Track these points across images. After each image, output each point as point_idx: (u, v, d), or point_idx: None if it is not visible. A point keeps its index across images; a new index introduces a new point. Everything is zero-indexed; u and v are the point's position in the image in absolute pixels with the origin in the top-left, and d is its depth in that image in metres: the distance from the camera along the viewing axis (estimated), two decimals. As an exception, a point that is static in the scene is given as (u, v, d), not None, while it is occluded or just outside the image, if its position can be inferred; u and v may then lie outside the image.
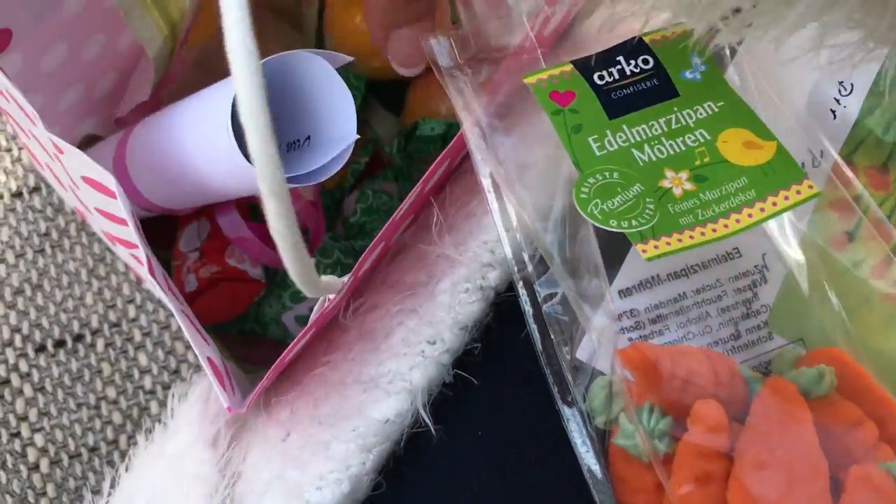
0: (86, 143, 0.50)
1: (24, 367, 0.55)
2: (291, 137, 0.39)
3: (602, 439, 0.33)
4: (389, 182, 0.55)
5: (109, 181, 0.33)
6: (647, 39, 0.37)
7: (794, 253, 0.36)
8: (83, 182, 0.36)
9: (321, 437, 0.37)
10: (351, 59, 0.38)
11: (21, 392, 0.55)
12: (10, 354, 0.55)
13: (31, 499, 0.53)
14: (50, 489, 0.53)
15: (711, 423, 0.31)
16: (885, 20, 0.29)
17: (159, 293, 0.38)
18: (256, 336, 0.54)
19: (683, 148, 0.35)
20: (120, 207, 0.34)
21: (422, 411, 0.37)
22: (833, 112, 0.38)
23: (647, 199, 0.33)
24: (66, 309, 0.57)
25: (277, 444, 0.38)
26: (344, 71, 0.37)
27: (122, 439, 0.55)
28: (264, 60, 0.35)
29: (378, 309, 0.39)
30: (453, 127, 0.53)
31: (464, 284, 0.38)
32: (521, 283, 0.35)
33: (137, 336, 0.57)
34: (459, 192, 0.41)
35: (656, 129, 0.35)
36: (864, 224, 0.36)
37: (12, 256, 0.58)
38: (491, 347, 0.38)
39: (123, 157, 0.43)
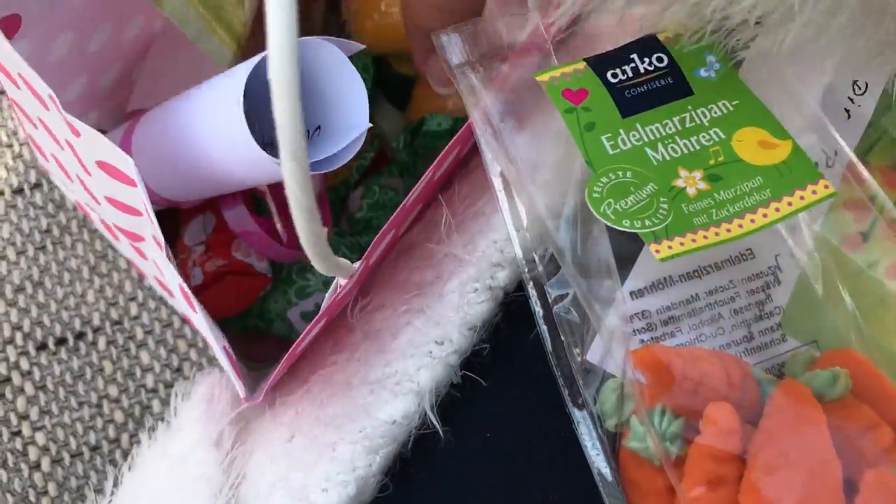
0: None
1: (25, 365, 0.55)
2: None
3: (613, 442, 0.33)
4: (395, 178, 0.55)
5: (128, 165, 0.33)
6: (661, 37, 0.37)
7: (807, 254, 0.36)
8: (97, 168, 0.36)
9: (327, 438, 0.37)
10: (363, 46, 0.38)
11: (22, 390, 0.55)
12: (11, 352, 0.55)
13: (32, 498, 0.53)
14: (51, 488, 0.53)
15: (723, 425, 0.31)
16: (882, 25, 0.30)
17: (170, 278, 0.38)
18: (260, 333, 0.54)
19: (698, 147, 0.35)
20: (135, 194, 0.34)
21: (429, 413, 0.37)
22: (847, 111, 0.38)
23: (661, 199, 0.33)
24: (68, 306, 0.57)
25: (282, 446, 0.38)
26: (354, 60, 0.37)
27: (125, 438, 0.55)
28: None
29: (385, 308, 0.39)
30: (460, 122, 0.53)
31: (472, 284, 0.38)
32: (531, 283, 0.35)
33: (140, 334, 0.57)
34: (468, 189, 0.41)
35: (670, 128, 0.35)
36: (878, 224, 0.36)
37: (13, 253, 0.58)
38: (500, 348, 0.38)
39: (129, 149, 0.43)
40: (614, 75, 0.36)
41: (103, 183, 0.37)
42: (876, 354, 0.34)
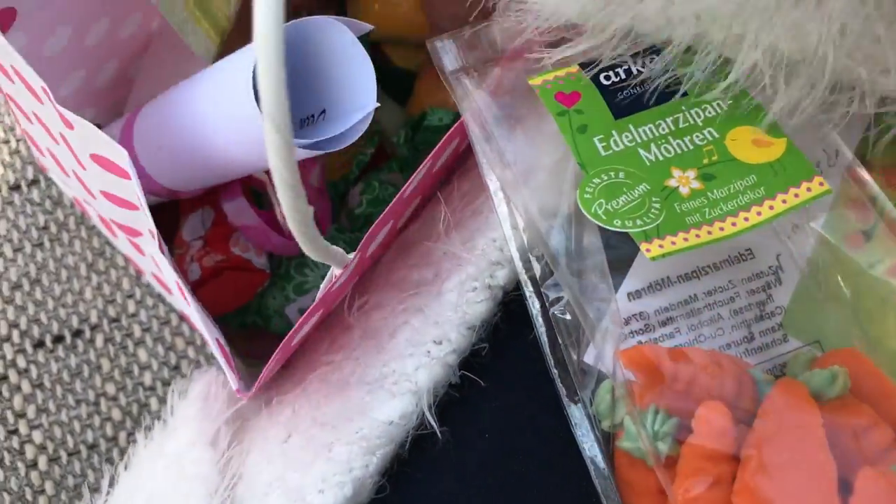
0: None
1: (21, 362, 0.56)
2: (305, 113, 0.39)
3: (609, 443, 0.34)
4: (395, 174, 0.55)
5: (122, 157, 0.33)
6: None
7: (809, 253, 0.36)
8: (91, 161, 0.36)
9: (323, 438, 0.37)
10: (371, 27, 0.38)
11: (19, 388, 0.55)
12: (7, 350, 0.56)
13: (29, 496, 0.53)
14: (48, 487, 0.54)
15: (716, 425, 0.31)
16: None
17: (166, 271, 0.39)
18: (258, 330, 0.54)
19: (691, 147, 0.35)
20: (129, 187, 0.35)
21: (427, 413, 0.37)
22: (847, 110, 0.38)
23: (653, 199, 0.34)
24: (65, 304, 0.57)
25: (279, 445, 0.38)
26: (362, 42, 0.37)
27: (122, 436, 0.55)
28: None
29: (383, 307, 0.40)
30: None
31: (471, 283, 0.38)
32: (528, 284, 0.35)
33: (137, 331, 0.57)
34: (467, 187, 0.41)
35: (663, 129, 0.35)
36: (881, 223, 0.36)
37: (10, 250, 0.58)
38: (499, 348, 0.38)
39: (130, 139, 0.44)
40: (607, 77, 0.37)
41: (98, 176, 0.37)
42: (878, 354, 0.35)
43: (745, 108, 0.36)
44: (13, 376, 0.56)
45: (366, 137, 0.57)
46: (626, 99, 0.36)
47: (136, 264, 0.55)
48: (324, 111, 0.38)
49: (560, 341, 0.35)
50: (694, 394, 0.32)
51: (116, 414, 0.56)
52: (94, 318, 0.57)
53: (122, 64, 0.51)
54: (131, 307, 0.58)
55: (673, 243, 0.33)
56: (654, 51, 0.37)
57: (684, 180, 0.34)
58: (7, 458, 0.54)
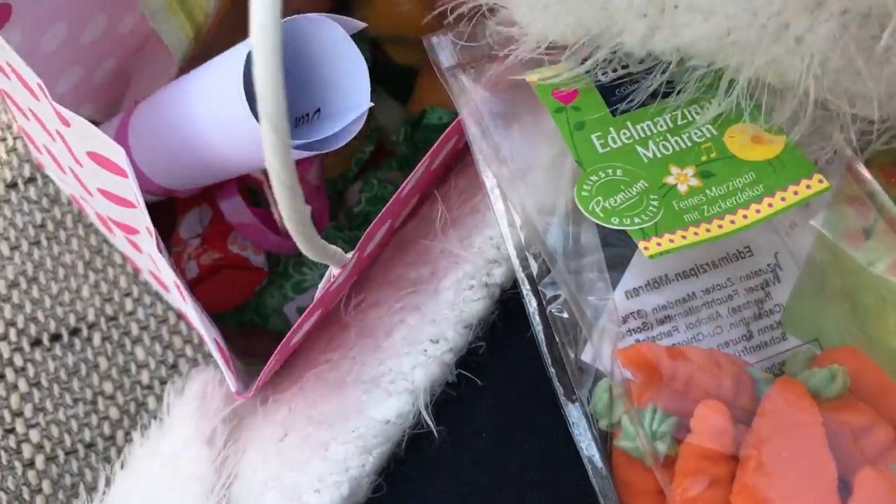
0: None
1: (19, 361, 0.56)
2: (299, 112, 0.39)
3: (607, 442, 0.34)
4: (394, 172, 0.55)
5: (118, 154, 0.33)
6: None
7: (808, 251, 0.36)
8: (88, 159, 0.36)
9: (320, 437, 0.37)
10: (364, 24, 0.38)
11: (16, 387, 0.55)
12: (4, 349, 0.56)
13: (26, 496, 0.53)
14: (46, 486, 0.54)
15: (714, 424, 0.31)
16: None
17: (164, 270, 0.39)
18: (256, 328, 0.54)
19: (689, 144, 0.35)
20: (125, 185, 0.35)
21: (423, 412, 0.37)
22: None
23: (651, 196, 0.34)
24: (63, 302, 0.58)
25: (275, 444, 0.38)
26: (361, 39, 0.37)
27: (119, 435, 0.55)
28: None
29: (379, 306, 0.40)
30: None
31: (468, 281, 0.38)
32: (525, 282, 0.35)
33: (135, 330, 0.57)
34: (464, 185, 0.41)
35: (661, 126, 0.35)
36: (881, 220, 0.36)
37: (7, 248, 0.58)
38: (496, 346, 0.38)
39: (126, 138, 0.44)
40: (605, 74, 0.37)
41: (95, 174, 0.37)
42: (878, 352, 0.35)
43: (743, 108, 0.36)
44: (10, 375, 0.56)
45: (365, 135, 0.57)
46: (624, 96, 0.36)
47: (133, 262, 0.55)
48: (318, 110, 0.38)
49: (557, 340, 0.35)
50: (692, 393, 0.32)
51: (114, 412, 0.56)
52: (91, 317, 0.57)
53: (120, 61, 0.51)
54: (129, 305, 0.58)
55: (671, 241, 0.33)
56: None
57: (682, 178, 0.34)
58: (4, 457, 0.54)
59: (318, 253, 0.31)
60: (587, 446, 0.34)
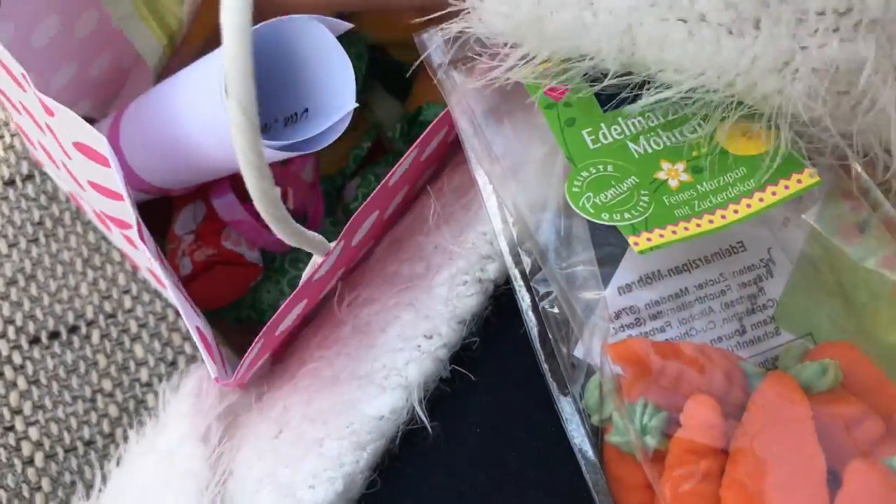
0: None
1: (17, 359, 0.56)
2: (289, 111, 0.39)
3: (599, 437, 0.34)
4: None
5: (101, 143, 0.33)
6: None
7: (801, 246, 0.36)
8: (75, 150, 0.36)
9: (314, 434, 0.37)
10: (351, 25, 0.38)
11: (15, 385, 0.56)
12: (3, 346, 0.56)
13: (25, 493, 0.54)
14: (45, 483, 0.54)
15: (704, 419, 0.31)
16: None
17: (148, 259, 0.39)
18: (253, 324, 0.54)
19: (681, 139, 0.35)
20: (110, 175, 0.35)
21: (418, 408, 0.37)
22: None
23: (642, 192, 0.34)
24: (61, 300, 0.58)
25: (269, 441, 0.39)
26: (345, 45, 0.37)
27: (118, 432, 0.56)
28: (259, 25, 0.35)
29: (373, 302, 0.40)
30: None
31: (462, 277, 0.38)
32: (518, 278, 0.36)
33: (134, 327, 0.58)
34: (457, 181, 0.41)
35: (652, 121, 0.36)
36: (875, 215, 0.36)
37: (5, 246, 0.59)
38: (489, 342, 0.38)
39: (117, 138, 0.44)
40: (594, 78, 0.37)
41: (83, 165, 0.37)
42: (871, 347, 0.35)
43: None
44: (9, 373, 0.56)
45: (363, 131, 0.57)
46: (616, 91, 0.36)
47: (131, 260, 0.56)
48: (306, 110, 0.38)
49: (550, 335, 0.35)
50: (682, 388, 0.32)
51: (113, 410, 0.56)
52: (89, 314, 0.58)
53: (116, 56, 0.51)
54: (127, 303, 0.58)
55: (661, 236, 0.33)
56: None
57: (673, 173, 0.34)
58: (3, 455, 0.54)
59: (295, 238, 0.31)
60: (580, 441, 0.34)
